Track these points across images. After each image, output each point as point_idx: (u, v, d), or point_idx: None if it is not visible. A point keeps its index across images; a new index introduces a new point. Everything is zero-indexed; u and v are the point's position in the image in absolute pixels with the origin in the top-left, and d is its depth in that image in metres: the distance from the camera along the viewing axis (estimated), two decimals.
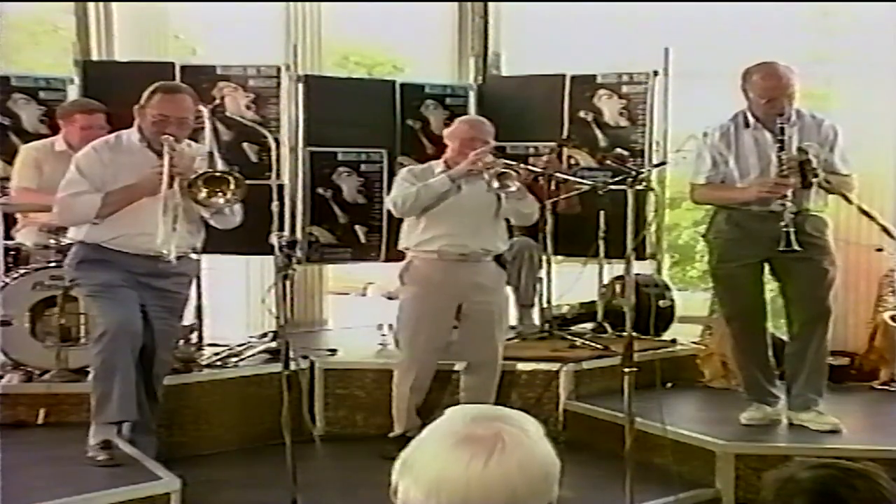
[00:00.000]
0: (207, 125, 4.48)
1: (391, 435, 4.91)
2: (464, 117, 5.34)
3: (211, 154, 4.29)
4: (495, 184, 4.74)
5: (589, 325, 6.16)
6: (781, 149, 4.36)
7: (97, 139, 4.46)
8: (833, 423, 4.54)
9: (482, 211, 4.91)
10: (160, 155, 4.17)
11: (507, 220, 5.10)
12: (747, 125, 4.52)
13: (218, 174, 4.13)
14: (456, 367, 5.14)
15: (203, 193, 4.10)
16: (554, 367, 5.29)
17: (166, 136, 4.15)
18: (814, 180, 4.37)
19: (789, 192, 4.32)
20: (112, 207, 4.18)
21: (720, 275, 4.74)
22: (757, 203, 4.46)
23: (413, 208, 4.83)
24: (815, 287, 4.52)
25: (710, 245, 4.77)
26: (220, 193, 4.12)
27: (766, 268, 4.62)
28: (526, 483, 1.44)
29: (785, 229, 4.27)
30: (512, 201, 4.85)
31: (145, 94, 4.27)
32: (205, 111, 4.52)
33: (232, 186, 4.11)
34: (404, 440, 1.50)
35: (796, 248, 4.27)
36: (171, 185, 4.08)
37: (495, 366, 4.97)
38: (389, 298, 5.86)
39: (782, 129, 4.36)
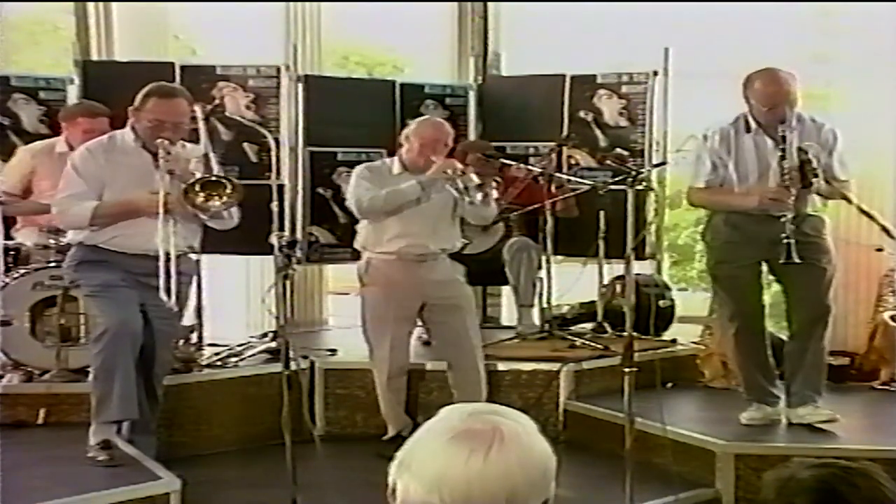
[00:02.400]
0: (202, 127, 4.47)
1: (385, 438, 4.92)
2: (425, 118, 5.29)
3: (206, 156, 4.28)
4: (478, 195, 4.72)
5: (589, 325, 6.15)
6: (783, 157, 4.34)
7: (90, 141, 4.45)
8: (829, 415, 4.54)
9: (441, 211, 4.90)
10: (155, 155, 4.17)
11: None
12: (748, 130, 4.50)
13: (214, 179, 4.14)
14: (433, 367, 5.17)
15: (200, 198, 4.11)
16: (554, 367, 5.29)
17: (161, 140, 4.15)
18: (814, 180, 4.36)
19: (791, 202, 4.30)
20: (107, 219, 4.19)
21: (719, 276, 4.73)
22: (756, 210, 4.45)
23: (378, 211, 4.81)
24: (815, 287, 4.51)
25: (708, 246, 4.77)
26: (216, 197, 4.13)
27: (765, 268, 4.62)
28: (525, 477, 1.44)
29: (786, 241, 4.25)
30: (476, 206, 4.83)
31: (140, 97, 4.26)
32: (199, 112, 4.50)
33: (228, 191, 4.13)
34: (400, 440, 1.50)
35: (797, 260, 4.26)
36: (167, 209, 4.07)
37: (475, 360, 4.95)
38: None
39: (784, 138, 4.34)
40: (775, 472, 1.78)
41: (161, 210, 4.06)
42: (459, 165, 4.82)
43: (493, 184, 4.83)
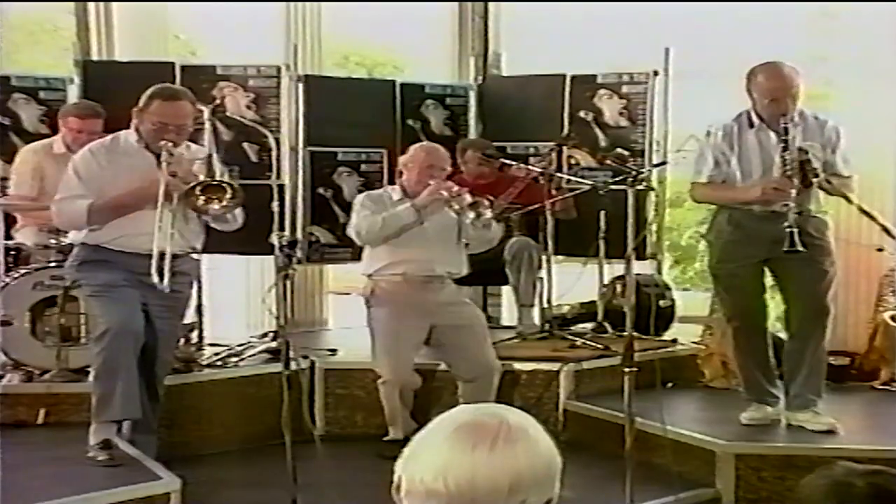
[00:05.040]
0: (207, 127, 4.47)
1: (387, 439, 4.92)
2: (420, 144, 5.30)
3: (210, 157, 4.28)
4: (470, 214, 4.74)
5: (589, 325, 6.14)
6: (786, 149, 4.34)
7: (93, 142, 4.45)
8: (829, 424, 4.53)
9: (445, 235, 4.94)
10: (158, 157, 4.17)
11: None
12: (751, 126, 4.50)
13: (215, 182, 4.14)
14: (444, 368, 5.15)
15: (201, 201, 4.12)
16: (554, 366, 5.29)
17: (164, 141, 4.15)
18: (814, 180, 4.37)
19: (793, 193, 4.30)
20: (106, 215, 4.18)
21: (721, 275, 4.73)
22: (759, 203, 4.46)
23: (377, 238, 4.86)
24: (815, 287, 4.51)
25: (710, 245, 4.77)
26: (216, 200, 4.14)
27: (766, 268, 4.62)
28: (530, 469, 1.45)
29: (789, 230, 4.24)
30: (479, 229, 4.85)
31: (144, 98, 4.25)
32: (206, 112, 4.51)
33: (228, 194, 4.13)
34: (403, 440, 1.50)
35: (800, 248, 4.24)
36: (168, 196, 4.08)
37: (491, 375, 4.96)
38: None
39: (786, 130, 4.34)
40: (822, 479, 1.77)
41: (161, 198, 4.05)
42: (455, 187, 4.82)
43: (487, 203, 4.83)
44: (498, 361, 5.03)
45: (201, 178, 4.15)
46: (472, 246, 5.08)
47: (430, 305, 4.91)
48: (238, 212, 4.33)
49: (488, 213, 4.81)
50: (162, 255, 4.09)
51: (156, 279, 4.08)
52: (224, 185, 4.15)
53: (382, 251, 4.92)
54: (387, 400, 4.93)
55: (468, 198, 4.78)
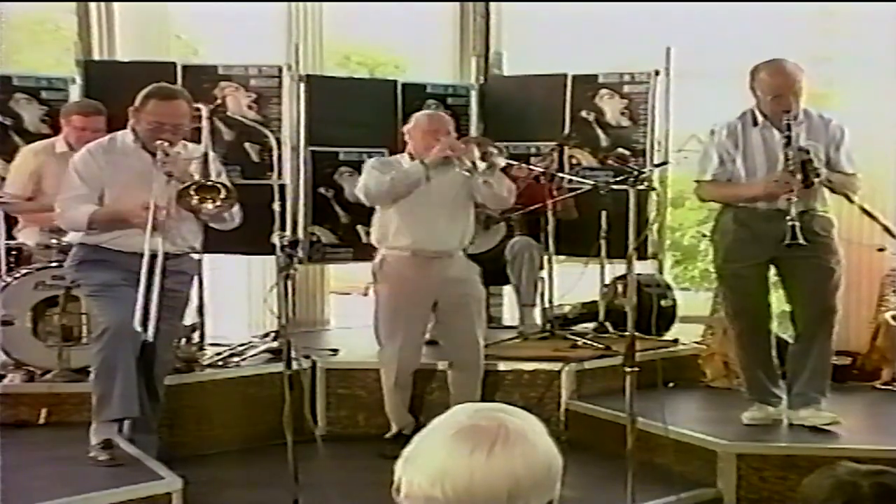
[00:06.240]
0: (205, 126, 4.48)
1: (388, 435, 4.94)
2: (421, 112, 5.26)
3: (205, 157, 4.28)
4: (482, 164, 4.72)
5: (591, 325, 6.15)
6: (788, 145, 4.35)
7: (91, 143, 4.47)
8: (831, 417, 4.52)
9: (453, 205, 4.90)
10: (154, 156, 4.18)
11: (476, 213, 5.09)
12: (755, 124, 4.51)
13: (209, 183, 4.15)
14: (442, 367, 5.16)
15: (194, 201, 4.14)
16: (556, 366, 5.29)
17: (161, 141, 4.16)
18: (815, 180, 4.36)
19: (796, 188, 4.30)
20: (103, 224, 4.21)
21: (725, 275, 4.73)
22: (763, 201, 4.45)
23: (385, 195, 4.80)
24: (821, 286, 4.51)
25: (715, 245, 4.76)
26: (210, 200, 4.15)
27: (772, 268, 4.62)
28: (529, 473, 1.44)
29: (791, 223, 4.25)
30: (489, 186, 4.82)
31: (140, 98, 4.26)
32: (203, 111, 4.51)
33: (222, 195, 4.14)
34: (403, 439, 1.50)
35: (801, 242, 4.24)
36: (155, 226, 4.08)
37: (478, 361, 4.99)
38: None
39: (789, 126, 4.35)
40: (826, 478, 1.77)
41: (149, 225, 4.06)
42: (461, 144, 4.81)
43: (496, 151, 4.81)
44: (482, 343, 5.02)
45: (197, 177, 4.16)
46: (487, 203, 5.04)
47: (436, 281, 4.89)
48: (236, 210, 4.33)
49: (501, 162, 4.78)
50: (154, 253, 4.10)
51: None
52: (217, 185, 4.16)
53: (391, 223, 4.88)
54: (385, 382, 4.95)
55: (476, 151, 4.76)
